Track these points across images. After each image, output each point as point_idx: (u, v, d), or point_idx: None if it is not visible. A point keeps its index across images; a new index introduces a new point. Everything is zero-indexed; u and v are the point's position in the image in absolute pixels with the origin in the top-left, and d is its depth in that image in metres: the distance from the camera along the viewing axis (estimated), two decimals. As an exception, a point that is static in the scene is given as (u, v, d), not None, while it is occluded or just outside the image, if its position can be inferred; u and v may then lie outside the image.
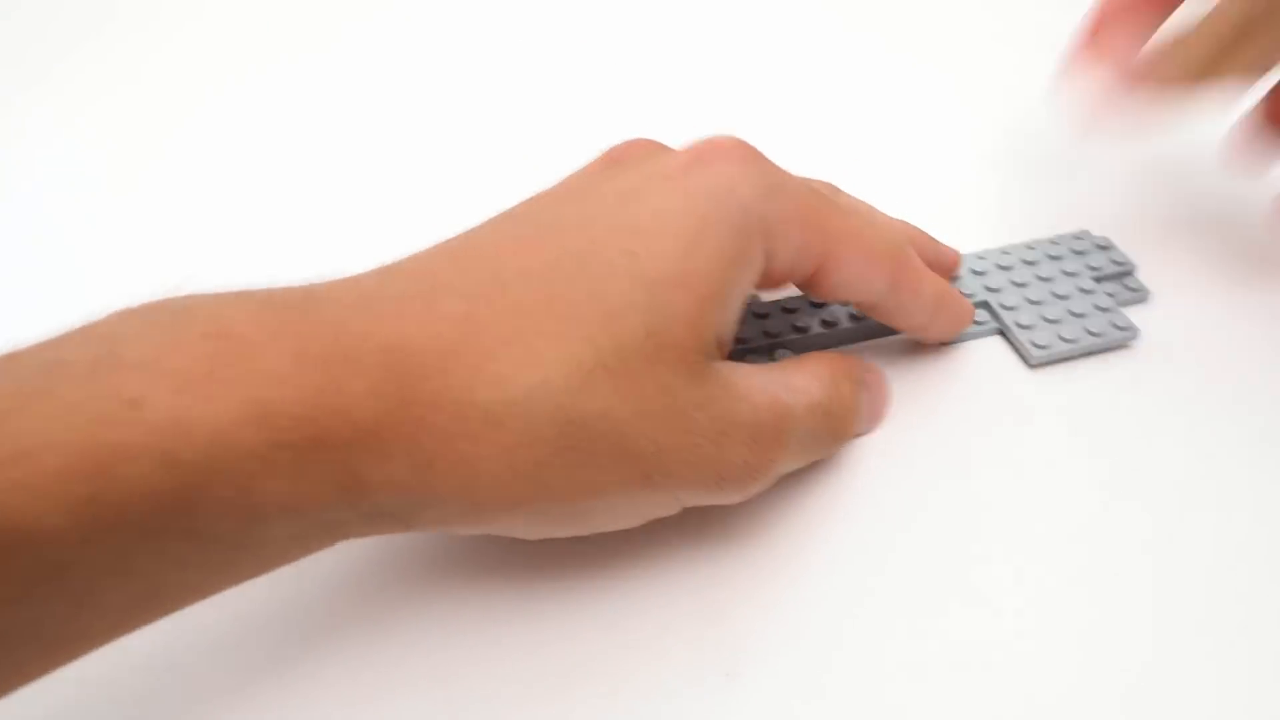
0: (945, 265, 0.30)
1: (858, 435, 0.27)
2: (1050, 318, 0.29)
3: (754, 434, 0.21)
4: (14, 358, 0.17)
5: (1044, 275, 0.30)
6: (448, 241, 0.22)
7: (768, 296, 0.29)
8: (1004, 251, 0.31)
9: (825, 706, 0.21)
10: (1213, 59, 0.27)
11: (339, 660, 0.22)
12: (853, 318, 0.29)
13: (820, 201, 0.24)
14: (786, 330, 0.28)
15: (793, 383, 0.23)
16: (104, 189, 0.36)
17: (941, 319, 0.28)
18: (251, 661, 0.22)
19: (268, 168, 0.37)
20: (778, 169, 0.23)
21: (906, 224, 0.30)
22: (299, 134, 0.39)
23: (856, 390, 0.25)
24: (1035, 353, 0.28)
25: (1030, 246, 0.31)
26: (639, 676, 0.22)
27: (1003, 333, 0.29)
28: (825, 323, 0.29)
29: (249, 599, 0.22)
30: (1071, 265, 0.30)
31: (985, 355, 0.29)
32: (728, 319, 0.22)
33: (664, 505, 0.22)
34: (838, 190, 0.28)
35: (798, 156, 0.36)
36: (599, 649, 0.22)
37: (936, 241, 0.30)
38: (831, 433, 0.25)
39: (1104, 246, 0.31)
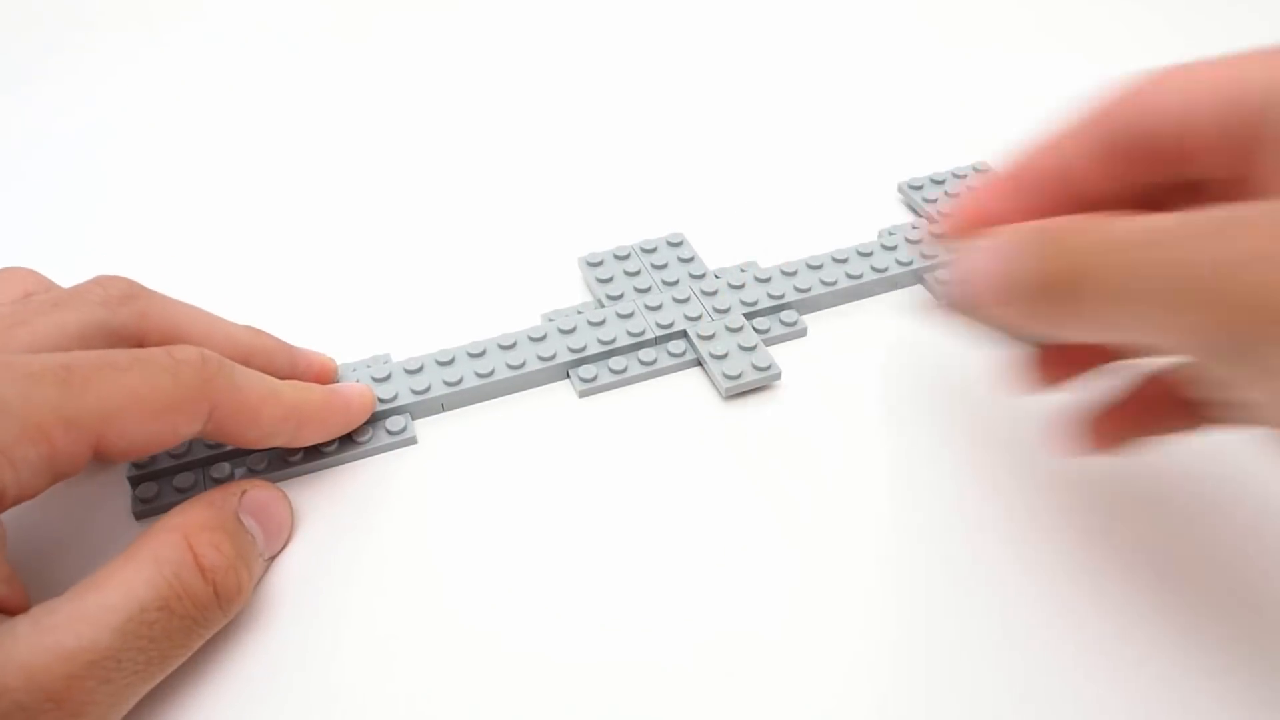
0: (312, 369, 0.27)
1: (270, 557, 0.24)
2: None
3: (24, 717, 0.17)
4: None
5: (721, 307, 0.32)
6: None
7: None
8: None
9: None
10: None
11: None
12: None
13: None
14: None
15: (90, 605, 0.18)
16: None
17: (314, 426, 0.25)
18: None
19: (269, 167, 0.39)
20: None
21: (242, 331, 0.26)
22: (298, 134, 0.41)
23: (224, 543, 0.21)
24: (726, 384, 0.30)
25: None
26: None
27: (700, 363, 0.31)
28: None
29: None
30: (726, 299, 0.32)
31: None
32: None
33: None
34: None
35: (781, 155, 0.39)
36: None
37: (291, 347, 0.27)
38: (194, 621, 0.20)
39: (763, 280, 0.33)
